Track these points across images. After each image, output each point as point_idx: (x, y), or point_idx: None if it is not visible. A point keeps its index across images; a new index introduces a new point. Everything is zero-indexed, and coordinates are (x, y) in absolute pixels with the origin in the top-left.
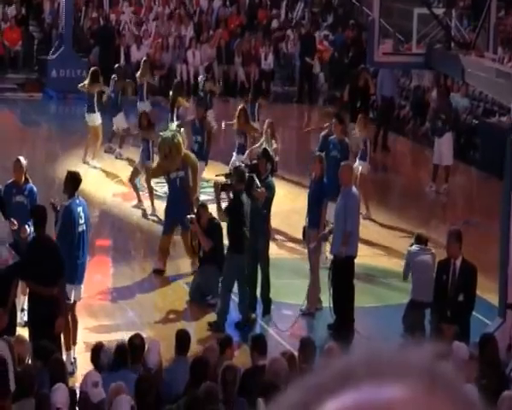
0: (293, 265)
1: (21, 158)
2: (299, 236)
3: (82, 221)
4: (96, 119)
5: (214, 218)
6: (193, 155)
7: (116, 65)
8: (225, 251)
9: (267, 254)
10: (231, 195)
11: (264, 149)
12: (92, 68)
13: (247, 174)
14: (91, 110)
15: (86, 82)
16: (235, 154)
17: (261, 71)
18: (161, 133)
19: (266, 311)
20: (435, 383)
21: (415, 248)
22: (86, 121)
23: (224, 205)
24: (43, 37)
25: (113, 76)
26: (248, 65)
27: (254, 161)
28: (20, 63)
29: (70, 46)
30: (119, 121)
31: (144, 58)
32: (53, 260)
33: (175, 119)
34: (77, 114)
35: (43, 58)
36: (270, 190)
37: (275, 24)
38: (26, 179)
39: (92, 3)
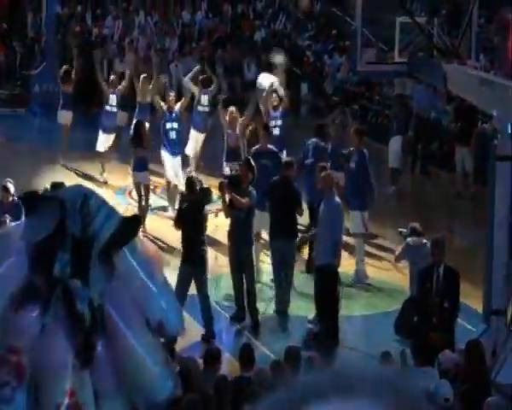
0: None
1: (9, 184)
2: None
3: None
4: (67, 117)
5: None
6: None
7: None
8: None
9: (251, 264)
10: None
11: (247, 158)
12: (64, 67)
13: (198, 186)
14: (65, 108)
15: (60, 81)
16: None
17: (244, 82)
18: None
19: (255, 322)
20: (399, 400)
21: (413, 240)
22: (59, 119)
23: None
24: (25, 51)
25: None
26: (232, 76)
27: (236, 171)
28: (2, 78)
29: (53, 60)
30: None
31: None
32: None
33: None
34: (60, 129)
35: (25, 73)
36: (253, 199)
37: (258, 35)
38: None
39: (75, 17)
